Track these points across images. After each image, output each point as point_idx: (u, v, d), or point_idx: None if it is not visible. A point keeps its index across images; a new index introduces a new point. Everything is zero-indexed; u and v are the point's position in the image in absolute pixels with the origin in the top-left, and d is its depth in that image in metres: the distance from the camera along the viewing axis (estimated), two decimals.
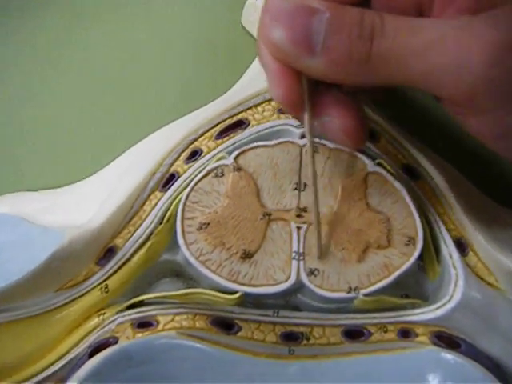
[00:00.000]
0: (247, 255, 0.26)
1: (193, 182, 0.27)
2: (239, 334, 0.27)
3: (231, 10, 0.36)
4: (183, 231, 0.26)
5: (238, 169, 0.27)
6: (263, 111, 0.29)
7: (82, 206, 0.29)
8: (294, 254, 0.26)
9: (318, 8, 0.20)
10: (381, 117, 0.30)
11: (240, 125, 0.29)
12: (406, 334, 0.27)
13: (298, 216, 0.27)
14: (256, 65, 0.33)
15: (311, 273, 0.26)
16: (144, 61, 0.35)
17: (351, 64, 0.20)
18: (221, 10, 0.37)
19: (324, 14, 0.20)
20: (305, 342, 0.27)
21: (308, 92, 0.23)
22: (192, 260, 0.26)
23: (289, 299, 0.28)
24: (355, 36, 0.20)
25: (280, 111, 0.29)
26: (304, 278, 0.26)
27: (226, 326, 0.27)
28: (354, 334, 0.27)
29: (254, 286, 0.26)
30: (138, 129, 0.31)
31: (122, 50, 0.36)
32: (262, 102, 0.30)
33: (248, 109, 0.30)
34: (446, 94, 0.21)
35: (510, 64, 0.19)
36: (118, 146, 0.31)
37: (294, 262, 0.26)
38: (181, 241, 0.26)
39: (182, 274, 0.28)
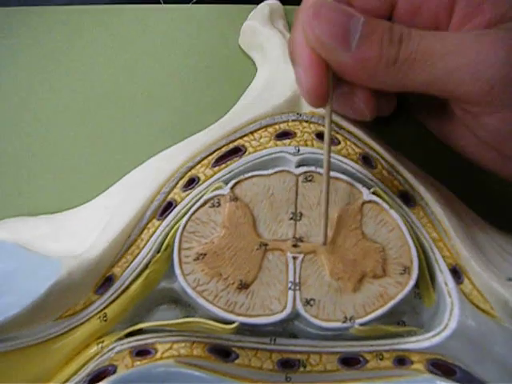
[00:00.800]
0: (244, 286, 0.26)
1: (190, 212, 0.27)
2: (236, 361, 0.27)
3: (228, 32, 0.36)
4: (180, 261, 0.27)
5: (235, 199, 0.27)
6: (260, 138, 0.29)
7: (81, 233, 0.30)
8: (290, 284, 0.27)
9: (355, 13, 0.23)
10: (377, 142, 0.30)
11: (237, 152, 0.29)
12: (401, 361, 0.27)
13: (294, 246, 0.27)
14: (253, 89, 0.33)
15: (307, 303, 0.26)
16: (140, 85, 0.35)
17: (380, 64, 0.23)
18: (218, 32, 0.37)
19: (360, 18, 0.23)
20: (301, 369, 0.27)
21: (333, 86, 0.25)
22: (189, 290, 0.26)
23: (286, 326, 0.28)
24: (386, 39, 0.23)
25: (277, 137, 0.29)
26: (300, 308, 0.26)
27: (224, 353, 0.27)
28: (350, 361, 0.27)
29: (250, 316, 0.26)
30: (136, 153, 0.31)
31: (118, 73, 0.36)
32: (259, 129, 0.30)
33: (245, 135, 0.30)
34: (465, 94, 0.23)
35: None
36: (116, 170, 0.32)
37: (290, 293, 0.26)
38: (178, 271, 0.27)
39: (180, 301, 0.28)
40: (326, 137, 0.26)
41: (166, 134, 0.34)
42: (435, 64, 0.22)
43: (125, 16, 0.37)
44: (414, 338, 0.27)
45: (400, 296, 0.27)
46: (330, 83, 0.25)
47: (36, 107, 0.35)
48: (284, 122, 0.30)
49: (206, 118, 0.32)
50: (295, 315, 0.27)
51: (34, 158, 0.34)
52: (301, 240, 0.27)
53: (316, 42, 0.24)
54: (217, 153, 0.29)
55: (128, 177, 0.31)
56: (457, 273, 0.28)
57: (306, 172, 0.28)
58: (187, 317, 0.28)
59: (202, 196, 0.28)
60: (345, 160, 0.29)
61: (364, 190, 0.28)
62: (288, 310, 0.26)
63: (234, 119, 0.30)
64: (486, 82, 0.22)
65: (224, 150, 0.29)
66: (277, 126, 0.30)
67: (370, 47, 0.23)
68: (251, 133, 0.30)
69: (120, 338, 0.27)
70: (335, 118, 0.30)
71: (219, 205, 0.28)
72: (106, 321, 0.27)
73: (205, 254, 0.27)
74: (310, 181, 0.28)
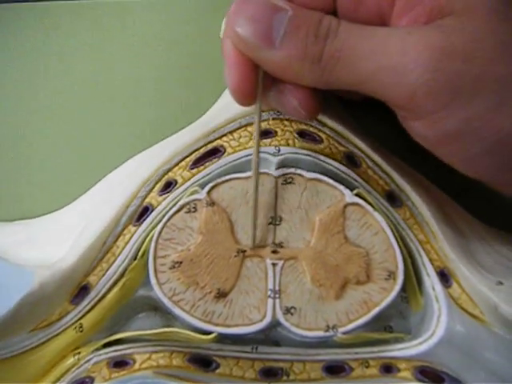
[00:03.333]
0: (221, 294, 0.26)
1: (165, 218, 0.26)
2: (218, 371, 0.26)
3: (210, 25, 0.35)
4: (155, 270, 0.26)
5: (212, 203, 0.26)
6: (239, 138, 0.28)
7: (56, 239, 0.29)
8: (269, 292, 0.26)
9: (281, 6, 0.22)
10: (362, 140, 0.28)
11: (215, 153, 0.28)
12: (388, 369, 0.26)
13: (274, 252, 0.26)
14: None
15: (287, 311, 0.25)
16: (119, 82, 0.34)
17: (305, 61, 0.22)
18: (200, 26, 0.35)
19: (286, 12, 0.22)
20: (285, 377, 0.26)
21: (262, 84, 0.24)
22: (165, 300, 0.26)
23: (268, 334, 0.27)
24: (311, 35, 0.21)
25: None
26: (280, 317, 0.25)
27: (204, 363, 0.26)
28: (334, 369, 0.26)
29: (228, 326, 0.25)
30: (111, 156, 0.31)
31: (97, 71, 0.35)
32: (239, 128, 0.29)
33: (223, 135, 0.29)
34: (388, 97, 0.22)
35: (448, 69, 0.20)
36: (94, 173, 0.31)
37: (270, 301, 0.26)
38: (153, 280, 0.26)
39: (159, 308, 0.28)
40: (256, 137, 0.25)
41: (146, 133, 0.32)
42: (358, 64, 0.21)
43: (105, 10, 0.36)
44: (400, 345, 0.26)
45: (385, 303, 0.26)
46: (259, 81, 0.24)
47: (8, 110, 0.34)
48: (264, 120, 0.28)
49: (187, 116, 0.31)
50: (275, 324, 0.26)
51: (11, 162, 0.33)
52: (280, 245, 0.26)
53: (238, 40, 0.22)
54: (195, 154, 0.28)
55: (104, 180, 0.30)
56: (445, 276, 0.27)
57: (285, 174, 0.27)
58: (167, 325, 0.27)
59: (179, 201, 0.27)
60: (327, 160, 0.27)
61: (347, 192, 0.27)
62: (268, 319, 0.25)
63: (212, 119, 0.29)
64: (408, 88, 0.21)
65: (202, 151, 0.28)
66: None
67: (294, 44, 0.22)
68: (230, 132, 0.28)
69: (97, 349, 0.26)
70: (319, 115, 0.28)
71: (195, 210, 0.26)
72: (82, 331, 0.26)
73: (181, 262, 0.26)
74: (290, 183, 0.27)
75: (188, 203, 0.27)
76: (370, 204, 0.27)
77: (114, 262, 0.27)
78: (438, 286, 0.26)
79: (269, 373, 0.26)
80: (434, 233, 0.27)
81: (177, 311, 0.25)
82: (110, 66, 0.34)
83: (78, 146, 0.33)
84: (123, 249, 0.27)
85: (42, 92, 0.34)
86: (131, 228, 0.27)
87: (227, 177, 0.27)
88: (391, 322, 0.27)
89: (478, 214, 0.30)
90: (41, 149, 0.33)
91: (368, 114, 0.29)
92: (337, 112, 0.29)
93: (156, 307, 0.28)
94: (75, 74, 0.34)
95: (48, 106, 0.34)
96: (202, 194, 0.27)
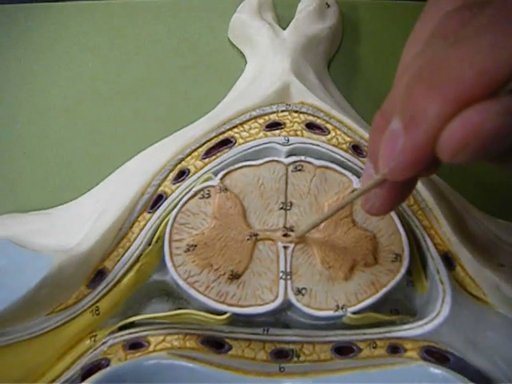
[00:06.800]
0: (235, 276, 0.26)
1: (180, 204, 0.27)
2: (230, 352, 0.27)
3: (217, 25, 0.36)
4: (171, 253, 0.27)
5: (225, 189, 0.27)
6: (250, 129, 0.29)
7: (71, 228, 0.30)
8: (281, 274, 0.26)
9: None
10: (367, 131, 0.30)
11: (227, 143, 0.29)
12: (395, 349, 0.27)
13: (285, 235, 0.27)
14: (243, 81, 0.33)
15: (299, 292, 0.26)
16: (130, 79, 0.35)
17: None
18: (207, 25, 0.37)
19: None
20: (295, 359, 0.27)
21: None
22: (180, 282, 0.26)
23: (278, 317, 0.28)
24: None
25: (267, 128, 0.29)
26: (292, 298, 0.26)
27: (217, 345, 0.27)
28: (343, 350, 0.27)
29: (242, 306, 0.26)
30: (126, 147, 0.32)
31: (106, 69, 0.36)
32: (249, 120, 0.30)
33: (234, 127, 0.30)
34: None
35: None
36: (107, 165, 0.32)
37: (282, 282, 0.26)
38: (169, 263, 0.27)
39: (172, 293, 0.28)
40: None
41: (156, 127, 0.33)
42: None
43: (113, 10, 0.37)
44: (406, 326, 0.27)
45: (392, 283, 0.27)
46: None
47: (26, 104, 0.35)
48: (273, 112, 0.30)
49: (196, 112, 0.32)
50: (287, 305, 0.27)
51: (25, 155, 0.34)
52: (291, 229, 0.27)
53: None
54: (207, 145, 0.29)
55: (119, 171, 0.31)
56: (448, 260, 0.28)
57: (295, 161, 0.28)
58: (179, 309, 0.28)
59: (192, 188, 0.28)
60: (334, 149, 0.29)
61: (354, 179, 0.28)
62: (280, 300, 0.26)
63: (223, 111, 0.30)
64: None
65: (214, 141, 0.29)
66: (266, 117, 0.30)
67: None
68: (241, 124, 0.30)
69: (113, 332, 0.27)
70: (325, 107, 0.29)
71: (209, 196, 0.27)
72: (98, 314, 0.27)
73: (195, 246, 0.27)
74: (300, 170, 0.28)
75: (202, 189, 0.28)
76: None
77: (129, 247, 0.28)
78: (443, 269, 0.27)
79: (280, 354, 0.27)
80: (437, 218, 0.28)
81: (192, 293, 0.26)
82: (123, 63, 0.35)
83: (92, 140, 0.34)
84: (138, 235, 0.28)
85: (57, 87, 0.35)
86: (146, 215, 0.28)
87: (240, 164, 0.28)
88: (397, 306, 0.28)
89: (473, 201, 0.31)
90: (56, 142, 0.34)
91: (372, 107, 0.30)
92: (342, 105, 0.30)
93: (169, 293, 0.28)
94: (88, 71, 0.35)
95: (63, 100, 0.35)
96: (216, 181, 0.28)
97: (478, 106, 0.15)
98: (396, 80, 0.19)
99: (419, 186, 0.28)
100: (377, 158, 0.19)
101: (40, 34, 0.37)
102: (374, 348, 0.27)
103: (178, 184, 0.28)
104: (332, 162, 0.28)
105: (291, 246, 0.27)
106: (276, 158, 0.28)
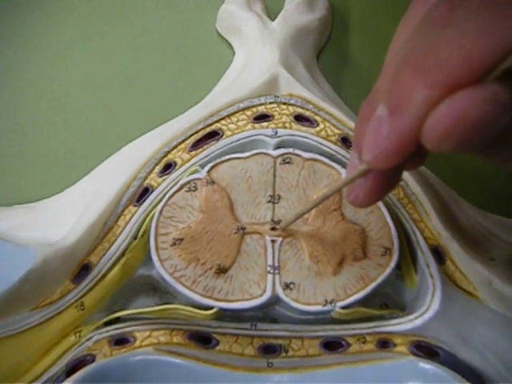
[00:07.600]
0: (222, 270, 0.26)
1: (166, 197, 0.27)
2: (217, 348, 0.26)
3: (205, 16, 0.36)
4: (157, 247, 0.26)
5: (212, 182, 0.27)
6: (237, 121, 0.29)
7: (57, 222, 0.29)
8: (269, 268, 0.26)
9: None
10: None
11: (214, 135, 0.29)
12: (384, 344, 0.26)
13: (273, 229, 0.27)
14: (231, 72, 0.32)
15: (287, 286, 0.26)
16: (117, 70, 0.35)
17: None
18: (195, 16, 0.36)
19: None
20: (283, 354, 0.27)
21: None
22: (166, 277, 0.26)
23: (266, 311, 0.27)
24: None
25: (255, 120, 0.29)
26: (280, 292, 0.26)
27: (204, 340, 0.27)
28: (332, 345, 0.27)
29: (229, 301, 0.26)
30: (113, 140, 0.31)
31: (93, 60, 0.35)
32: (237, 112, 0.29)
33: (222, 119, 0.29)
34: None
35: None
36: (93, 157, 0.31)
37: (270, 276, 0.26)
38: (155, 257, 0.26)
39: (158, 288, 0.28)
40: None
41: (144, 119, 0.33)
42: None
43: (100, 2, 0.37)
44: (396, 321, 0.27)
45: (381, 278, 0.26)
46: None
47: (11, 98, 0.34)
48: (262, 104, 0.29)
49: (184, 103, 0.32)
50: (275, 299, 0.26)
51: (10, 148, 0.33)
52: (279, 223, 0.27)
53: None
54: (194, 137, 0.29)
55: (105, 163, 0.31)
56: (438, 253, 0.27)
57: (283, 154, 0.28)
58: (166, 304, 0.27)
59: (179, 181, 0.27)
60: (323, 141, 0.28)
61: (343, 171, 0.27)
62: (268, 294, 0.26)
63: (211, 103, 0.30)
64: None
65: (201, 133, 0.29)
66: (254, 109, 0.30)
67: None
68: (228, 116, 0.29)
69: (98, 327, 0.27)
70: (314, 99, 0.29)
71: (196, 189, 0.27)
72: (83, 310, 0.27)
73: (182, 239, 0.26)
74: (288, 163, 0.27)
75: (188, 182, 0.27)
76: None
77: (114, 241, 0.27)
78: (433, 263, 0.27)
79: (268, 349, 0.26)
80: (427, 211, 0.28)
81: (178, 287, 0.26)
82: (111, 54, 0.35)
83: (80, 132, 0.33)
84: (124, 228, 0.27)
85: (43, 78, 0.34)
86: (131, 208, 0.28)
87: (227, 156, 0.28)
88: (387, 300, 0.28)
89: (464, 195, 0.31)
90: (41, 135, 0.33)
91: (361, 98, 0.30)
92: (332, 97, 0.30)
93: (155, 287, 0.28)
94: (75, 63, 0.35)
95: (48, 92, 0.34)
96: (202, 174, 0.27)
97: (465, 91, 0.14)
98: (383, 68, 0.19)
99: (409, 179, 0.28)
100: (362, 148, 0.18)
101: (26, 27, 0.36)
102: (363, 343, 0.26)
103: (164, 177, 0.28)
104: (321, 154, 0.28)
105: (279, 239, 0.27)
106: (264, 151, 0.28)
